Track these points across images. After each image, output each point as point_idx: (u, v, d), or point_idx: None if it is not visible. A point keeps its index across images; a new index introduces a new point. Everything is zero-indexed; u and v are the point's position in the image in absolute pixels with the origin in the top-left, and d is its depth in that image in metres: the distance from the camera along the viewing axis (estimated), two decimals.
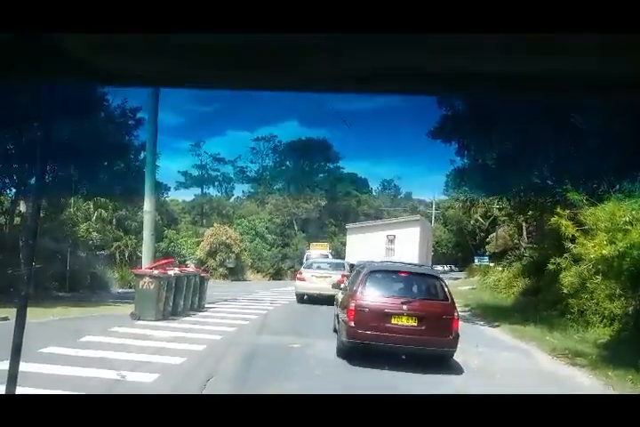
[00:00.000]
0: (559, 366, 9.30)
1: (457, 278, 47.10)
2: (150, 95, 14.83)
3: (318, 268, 18.47)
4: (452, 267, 66.01)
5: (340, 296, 10.47)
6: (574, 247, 9.36)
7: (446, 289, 8.86)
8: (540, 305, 17.70)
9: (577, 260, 9.53)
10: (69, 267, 16.09)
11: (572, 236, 9.53)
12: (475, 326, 14.51)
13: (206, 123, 76.56)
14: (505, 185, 15.97)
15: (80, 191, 23.98)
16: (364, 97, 72.39)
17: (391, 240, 35.50)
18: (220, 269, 33.92)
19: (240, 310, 14.41)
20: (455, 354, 8.95)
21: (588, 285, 9.60)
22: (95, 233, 21.36)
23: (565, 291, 10.23)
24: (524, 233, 27.45)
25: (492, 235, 45.62)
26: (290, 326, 12.33)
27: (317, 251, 33.47)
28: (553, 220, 9.44)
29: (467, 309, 19.06)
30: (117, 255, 24.25)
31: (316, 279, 17.08)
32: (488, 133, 12.68)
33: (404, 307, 8.26)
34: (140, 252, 24.90)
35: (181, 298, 12.76)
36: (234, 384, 6.49)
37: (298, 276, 18.50)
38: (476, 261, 50.02)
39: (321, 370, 7.68)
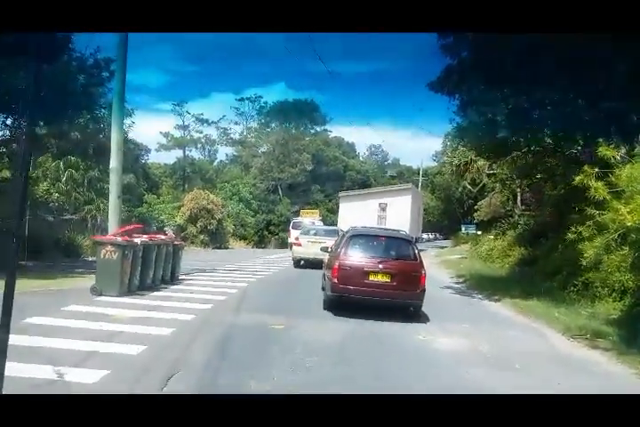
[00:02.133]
0: (579, 349, 8.14)
1: (443, 247, 46.33)
2: (119, 43, 13.12)
3: (314, 234, 19.92)
4: (437, 235, 65.38)
5: (327, 258, 11.65)
6: (599, 214, 8.06)
7: (416, 251, 10.28)
8: (537, 276, 16.68)
9: (602, 228, 8.24)
10: (28, 232, 14.49)
11: (597, 200, 8.24)
12: (474, 301, 13.39)
13: (190, 83, 74.00)
14: (515, 144, 14.59)
15: (50, 149, 22.29)
16: (354, 58, 70.12)
17: (383, 208, 35.78)
18: (201, 237, 32.51)
19: (218, 283, 13.08)
20: (463, 336, 8.31)
21: (613, 257, 8.31)
22: (57, 194, 19.64)
23: (585, 263, 8.97)
24: (519, 200, 26.30)
25: (480, 202, 44.62)
26: (273, 301, 11.05)
27: (308, 218, 33.51)
28: (578, 179, 8.10)
29: (461, 280, 17.99)
30: (89, 220, 22.63)
31: (312, 244, 18.21)
32: (499, 85, 11.21)
33: (380, 266, 9.61)
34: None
35: (150, 269, 11.38)
36: (200, 384, 5.18)
37: (295, 242, 20.32)
38: (462, 229, 49.35)
39: (310, 360, 6.40)
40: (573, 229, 8.69)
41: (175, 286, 12.10)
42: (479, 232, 43.28)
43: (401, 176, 70.60)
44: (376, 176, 65.23)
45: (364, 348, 7.39)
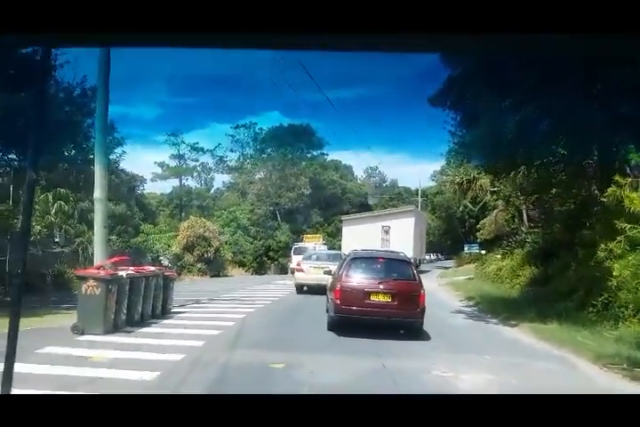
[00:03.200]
0: (619, 381, 7.21)
1: (447, 267, 45.35)
2: (101, 62, 12.53)
3: (317, 259, 19.22)
4: (439, 255, 64.28)
5: (330, 281, 11.85)
6: (634, 228, 7.23)
7: (415, 271, 10.77)
8: (552, 296, 15.76)
9: (635, 244, 7.40)
10: (14, 267, 13.59)
11: (625, 213, 7.42)
12: (489, 326, 12.43)
13: (185, 115, 74.27)
14: (525, 156, 13.81)
15: (39, 182, 21.65)
16: (349, 85, 70.40)
17: (386, 231, 35.42)
18: (198, 265, 31.54)
19: (213, 315, 12.13)
20: (487, 371, 7.27)
21: None
22: (39, 227, 18.81)
23: (614, 283, 8.12)
24: (525, 217, 25.47)
25: (482, 221, 43.81)
26: (273, 334, 10.11)
27: (311, 243, 33.40)
28: (610, 190, 7.29)
29: (472, 303, 17.03)
30: (81, 252, 21.73)
31: (314, 270, 17.53)
32: (505, 93, 10.49)
33: (381, 286, 9.97)
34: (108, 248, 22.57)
35: (139, 304, 10.48)
36: None
37: (296, 267, 19.43)
38: (465, 248, 48.47)
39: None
40: (603, 246, 7.82)
41: (166, 321, 11.16)
42: (483, 251, 42.38)
43: (399, 198, 70.04)
44: (374, 197, 64.58)
45: (376, 389, 6.46)
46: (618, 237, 7.62)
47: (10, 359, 1.85)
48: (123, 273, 9.75)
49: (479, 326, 12.35)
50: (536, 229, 22.90)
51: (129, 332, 9.67)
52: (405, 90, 60.12)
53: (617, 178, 7.40)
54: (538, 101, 10.31)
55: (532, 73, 9.56)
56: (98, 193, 11.80)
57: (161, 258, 28.17)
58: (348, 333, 10.14)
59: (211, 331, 9.89)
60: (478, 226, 45.14)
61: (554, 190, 16.49)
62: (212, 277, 31.54)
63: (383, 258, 11.15)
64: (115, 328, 9.55)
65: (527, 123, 12.54)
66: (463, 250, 48.19)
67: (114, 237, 23.09)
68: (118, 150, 24.75)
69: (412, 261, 14.87)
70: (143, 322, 10.59)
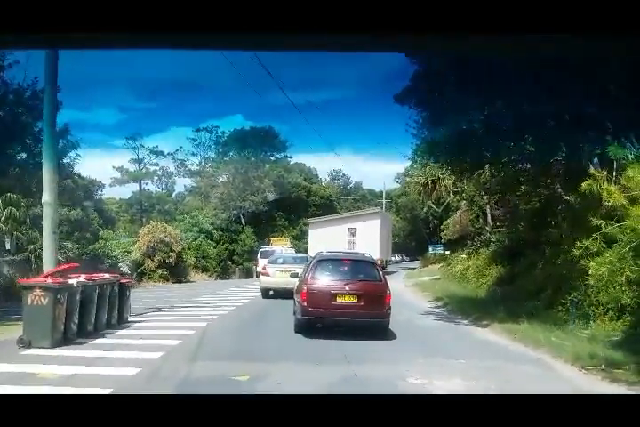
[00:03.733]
0: (599, 384, 6.95)
1: (413, 268, 45.40)
2: (47, 63, 11.80)
3: (283, 262, 18.55)
4: (403, 256, 64.49)
5: (296, 283, 11.83)
6: (609, 224, 6.98)
7: (380, 272, 10.81)
8: (519, 295, 15.67)
9: (611, 241, 7.16)
10: None
11: (609, 209, 7.18)
12: (461, 328, 12.16)
13: (145, 119, 72.63)
14: (493, 154, 13.64)
15: None
16: (313, 87, 70.21)
17: (352, 233, 35.41)
18: (160, 271, 30.53)
19: (174, 324, 11.48)
20: (463, 377, 6.88)
21: (627, 272, 7.20)
22: None
23: (592, 282, 7.88)
24: (489, 217, 25.53)
25: (446, 222, 44.06)
26: (237, 342, 9.57)
27: (278, 246, 32.90)
28: (585, 184, 7.02)
29: (440, 304, 16.79)
30: (34, 260, 20.60)
31: (281, 273, 16.96)
32: (474, 89, 10.23)
33: (347, 288, 10.03)
34: (61, 255, 21.51)
35: (91, 314, 9.77)
36: None
37: (262, 271, 18.69)
38: (430, 249, 48.68)
39: None
40: (579, 243, 7.55)
41: (123, 331, 10.46)
42: (447, 252, 42.63)
43: (364, 199, 70.10)
44: (339, 200, 64.44)
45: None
46: (593, 235, 7.34)
47: None
48: (73, 281, 9.04)
49: (450, 328, 12.06)
50: (501, 229, 22.97)
51: (81, 344, 8.97)
52: (368, 92, 60.21)
53: (592, 171, 7.14)
54: (505, 99, 10.10)
55: (500, 70, 9.32)
56: (46, 197, 11.03)
57: (120, 264, 27.11)
58: (315, 335, 9.84)
59: (170, 341, 9.27)
60: (442, 226, 45.38)
61: (521, 189, 16.33)
62: (174, 283, 30.59)
63: (348, 259, 11.20)
64: (65, 341, 8.84)
65: (494, 120, 12.38)
66: (428, 251, 48.46)
67: (69, 244, 22.04)
68: (72, 154, 23.60)
69: (378, 262, 14.63)
70: (97, 333, 9.88)
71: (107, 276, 10.80)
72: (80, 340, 9.22)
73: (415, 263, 50.55)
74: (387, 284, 10.48)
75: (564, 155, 11.14)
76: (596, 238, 7.20)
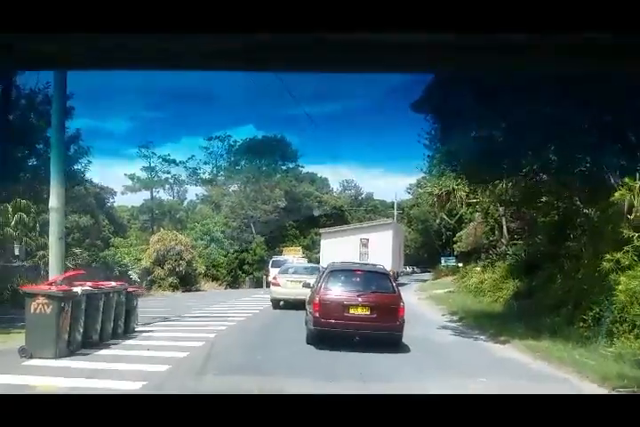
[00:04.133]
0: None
1: (425, 280, 44.79)
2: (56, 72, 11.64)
3: (294, 272, 18.02)
4: (414, 268, 63.76)
5: (308, 294, 11.54)
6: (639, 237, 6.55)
7: (394, 284, 10.64)
8: (538, 310, 15.16)
9: None
10: None
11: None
12: (479, 344, 11.68)
13: (158, 129, 72.89)
14: (513, 164, 13.20)
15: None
16: (325, 100, 70.31)
17: (365, 244, 34.97)
18: (170, 279, 30.23)
19: (181, 335, 11.11)
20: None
21: None
22: None
23: (622, 298, 7.43)
24: (504, 229, 25.01)
25: (459, 234, 43.50)
26: (246, 356, 9.18)
27: (290, 256, 32.64)
28: (618, 194, 6.61)
29: (456, 318, 16.29)
30: (43, 267, 20.39)
31: (292, 284, 16.62)
32: (494, 96, 9.84)
33: (359, 299, 9.80)
34: (70, 262, 21.29)
35: (97, 323, 9.45)
36: None
37: (273, 281, 18.13)
38: (442, 261, 48.15)
39: None
40: (609, 256, 7.11)
41: (129, 342, 10.12)
42: (460, 264, 42.05)
43: (376, 210, 69.62)
44: (351, 211, 64.03)
45: None
46: (624, 247, 6.91)
47: None
48: (78, 289, 8.73)
49: (467, 344, 11.60)
50: (517, 242, 22.43)
51: (85, 355, 8.64)
52: (380, 106, 60.16)
53: (627, 180, 6.73)
54: (528, 106, 9.72)
55: (522, 76, 8.95)
56: (53, 202, 10.75)
57: (130, 272, 26.85)
58: (327, 347, 9.51)
59: (177, 353, 8.92)
60: (455, 238, 44.84)
61: (543, 199, 15.87)
62: (184, 291, 30.27)
63: (361, 270, 11.03)
64: (68, 351, 8.51)
65: (516, 128, 11.97)
66: (440, 263, 47.85)
67: (78, 251, 21.83)
68: (84, 161, 23.44)
69: (391, 273, 14.24)
70: (102, 343, 9.55)
71: (113, 284, 10.50)
72: (84, 350, 8.90)
73: (426, 275, 49.87)
74: (400, 296, 10.29)
75: (587, 166, 10.71)
76: (627, 251, 6.75)
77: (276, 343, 10.62)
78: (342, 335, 9.71)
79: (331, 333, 9.75)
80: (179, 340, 10.34)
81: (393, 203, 60.70)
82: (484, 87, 10.02)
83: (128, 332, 10.94)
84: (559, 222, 18.00)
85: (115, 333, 10.28)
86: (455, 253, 46.07)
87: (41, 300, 8.17)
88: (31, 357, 8.14)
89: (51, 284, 8.91)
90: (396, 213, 56.73)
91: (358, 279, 10.61)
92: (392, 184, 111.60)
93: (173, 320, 13.89)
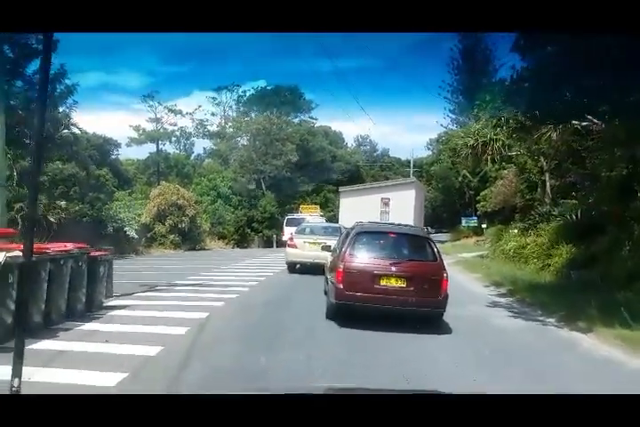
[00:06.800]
0: None
1: (443, 242, 42.08)
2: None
3: (311, 233, 16.24)
4: (429, 228, 61.11)
5: (329, 259, 10.36)
6: None
7: (435, 250, 8.67)
8: (604, 283, 12.45)
9: None
10: None
11: None
12: (550, 331, 8.96)
13: (169, 83, 70.04)
14: (581, 104, 10.34)
15: None
16: (339, 55, 66.47)
17: (386, 203, 33.90)
18: (171, 237, 27.76)
19: (164, 314, 8.43)
20: None
21: None
22: None
23: None
24: (548, 187, 21.95)
25: (483, 192, 40.55)
26: (246, 352, 6.52)
27: (308, 214, 31.03)
28: None
29: (502, 291, 13.57)
30: (20, 220, 17.85)
31: (309, 246, 15.17)
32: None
33: (393, 268, 8.19)
34: (51, 215, 18.70)
35: (39, 300, 6.80)
36: None
37: (289, 242, 16.43)
38: (463, 222, 45.58)
39: None
40: None
41: (86, 326, 7.41)
42: (484, 225, 39.26)
43: (391, 168, 66.53)
44: (366, 168, 61.01)
45: None
46: None
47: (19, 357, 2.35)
48: (0, 255, 6.03)
49: (537, 332, 8.85)
50: (566, 200, 19.44)
51: (5, 350, 6.01)
52: (397, 61, 56.76)
53: None
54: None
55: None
56: None
57: (126, 229, 24.33)
58: (352, 324, 7.82)
59: (147, 347, 6.25)
60: (479, 197, 41.90)
61: (615, 151, 12.91)
62: (187, 250, 27.85)
63: (396, 233, 9.20)
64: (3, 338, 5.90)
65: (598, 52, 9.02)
66: (460, 223, 45.15)
67: (63, 203, 19.19)
68: (69, 101, 20.48)
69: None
70: (47, 328, 6.93)
71: (69, 246, 7.75)
72: (7, 344, 6.26)
73: (443, 236, 47.10)
74: (443, 265, 8.52)
75: None
76: None
77: (284, 328, 7.95)
78: (370, 311, 8.11)
79: (357, 308, 8.14)
80: (157, 322, 7.69)
81: (409, 161, 57.54)
82: None
83: (93, 308, 8.34)
84: (626, 178, 15.03)
85: (71, 311, 7.67)
86: (478, 212, 43.27)
87: None
88: None
89: None
90: (412, 171, 53.73)
91: (392, 244, 8.86)
92: (408, 142, 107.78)
93: (161, 290, 11.26)
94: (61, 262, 7.25)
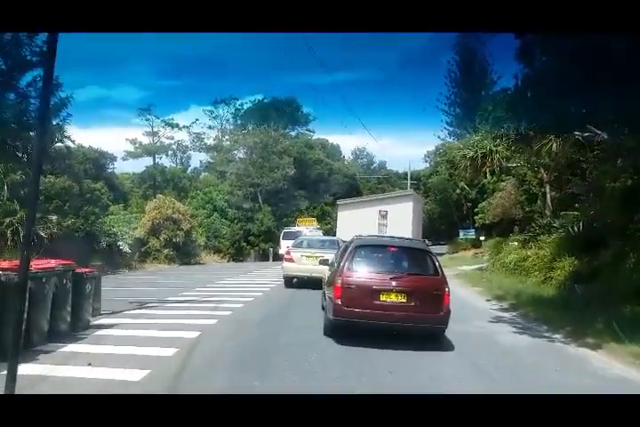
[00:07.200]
0: None
1: (441, 254, 41.64)
2: None
3: (308, 246, 16.08)
4: (425, 241, 60.68)
5: (327, 273, 10.34)
6: None
7: (437, 263, 8.44)
8: (608, 296, 12.09)
9: None
10: None
11: None
12: (558, 348, 8.58)
13: (166, 97, 70.16)
14: (581, 116, 10.10)
15: None
16: (337, 68, 66.80)
17: (384, 216, 33.54)
18: (165, 251, 27.33)
19: (153, 333, 8.03)
20: None
21: None
22: None
23: None
24: (548, 198, 21.64)
25: (481, 204, 40.31)
26: (239, 375, 6.11)
27: (304, 227, 31.35)
28: None
29: (505, 305, 13.20)
30: (9, 235, 17.42)
31: (307, 259, 15.11)
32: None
33: (393, 283, 7.98)
34: (42, 230, 18.29)
35: (10, 323, 6.39)
36: None
37: (286, 256, 16.29)
38: (461, 234, 45.39)
39: None
40: None
41: (69, 347, 6.98)
42: (482, 238, 38.94)
43: (389, 180, 66.39)
44: (363, 180, 60.79)
45: None
46: None
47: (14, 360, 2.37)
48: None
49: (544, 348, 8.47)
50: (567, 212, 19.11)
51: None
52: (395, 74, 57.06)
53: None
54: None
55: None
56: None
57: (120, 243, 23.90)
58: (352, 343, 7.57)
59: (131, 371, 5.84)
60: (477, 210, 41.63)
61: (619, 161, 12.64)
62: (181, 265, 27.41)
63: (396, 246, 8.87)
64: None
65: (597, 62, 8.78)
66: (458, 235, 44.89)
67: (54, 217, 18.77)
68: (63, 113, 20.13)
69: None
70: (27, 350, 6.51)
71: (52, 264, 7.36)
72: None
73: (441, 248, 46.71)
74: (445, 279, 8.22)
75: None
76: None
77: (280, 353, 7.53)
78: (370, 328, 7.87)
79: (355, 324, 7.89)
80: (145, 343, 7.28)
81: (406, 173, 57.36)
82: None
83: (78, 328, 7.93)
84: (631, 189, 14.72)
85: (54, 331, 7.25)
86: (476, 225, 42.97)
87: None
88: None
89: None
90: (409, 184, 53.51)
91: (392, 258, 8.57)
92: (404, 154, 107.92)
93: (151, 308, 10.84)
94: (43, 280, 6.85)
